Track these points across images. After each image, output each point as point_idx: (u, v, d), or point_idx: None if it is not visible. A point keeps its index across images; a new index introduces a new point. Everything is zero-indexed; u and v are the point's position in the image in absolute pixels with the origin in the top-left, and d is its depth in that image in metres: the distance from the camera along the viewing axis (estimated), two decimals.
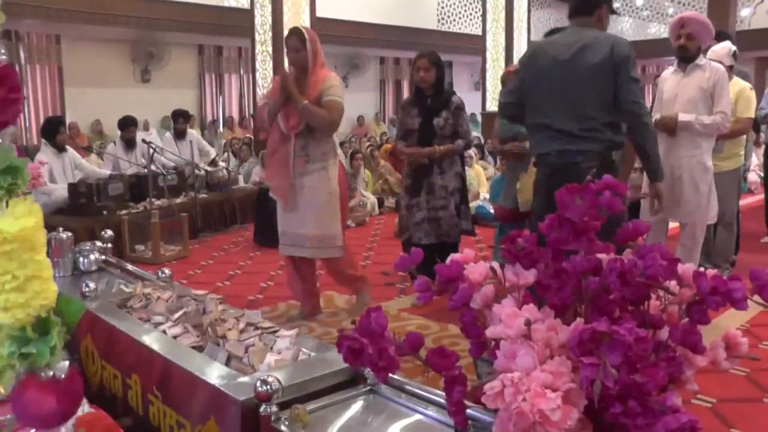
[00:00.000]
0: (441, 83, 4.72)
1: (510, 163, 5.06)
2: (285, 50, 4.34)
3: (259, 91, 9.82)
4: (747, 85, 5.08)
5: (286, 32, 9.10)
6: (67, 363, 1.36)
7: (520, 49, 14.10)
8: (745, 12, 15.18)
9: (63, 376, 1.33)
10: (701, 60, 4.40)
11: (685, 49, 4.36)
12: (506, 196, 4.99)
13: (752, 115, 5.07)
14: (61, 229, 3.46)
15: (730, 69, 4.97)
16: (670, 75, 4.57)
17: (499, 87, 5.13)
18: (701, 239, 4.39)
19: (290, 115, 4.13)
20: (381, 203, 9.12)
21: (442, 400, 1.47)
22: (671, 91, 4.47)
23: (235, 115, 15.50)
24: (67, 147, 7.04)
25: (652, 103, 5.21)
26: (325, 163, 4.17)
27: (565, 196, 1.26)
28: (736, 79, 5.04)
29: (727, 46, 5.14)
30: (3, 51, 1.24)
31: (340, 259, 4.30)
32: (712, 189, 4.37)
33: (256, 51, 9.74)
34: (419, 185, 4.72)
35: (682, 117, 4.28)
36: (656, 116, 4.45)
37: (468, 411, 1.32)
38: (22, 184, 1.27)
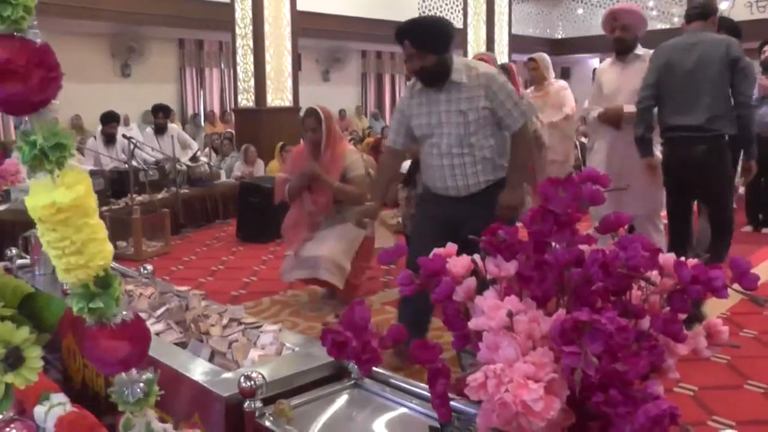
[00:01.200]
0: None
1: None
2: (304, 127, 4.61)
3: (240, 85, 9.76)
4: None
5: (266, 26, 9.00)
6: (130, 311, 1.45)
7: (502, 41, 14.16)
8: (724, 5, 15.32)
9: (130, 320, 1.42)
10: (640, 50, 4.36)
11: (621, 41, 4.32)
12: None
13: None
14: None
15: None
16: (608, 67, 4.51)
17: None
18: (653, 230, 4.35)
19: (319, 195, 4.45)
20: None
21: (427, 393, 1.47)
22: (612, 83, 4.41)
23: (216, 109, 15.41)
24: None
25: None
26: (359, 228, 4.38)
27: (548, 188, 1.27)
28: None
29: None
30: (38, 32, 1.29)
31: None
32: (660, 179, 4.33)
33: (237, 45, 9.68)
34: (413, 177, 4.77)
35: (628, 108, 4.22)
36: (598, 110, 4.41)
37: (452, 403, 1.33)
38: (69, 156, 1.34)
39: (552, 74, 6.06)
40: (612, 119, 4.30)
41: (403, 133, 3.44)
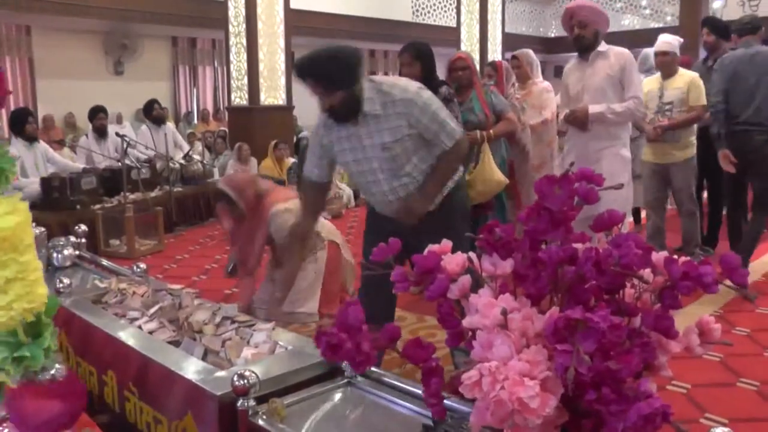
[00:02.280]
0: (429, 75, 4.53)
1: None
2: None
3: (233, 84, 9.74)
4: (695, 74, 5.12)
5: (260, 24, 8.88)
6: (62, 366, 1.32)
7: (495, 40, 14.17)
8: (716, 4, 15.34)
9: (61, 377, 1.31)
10: (603, 47, 4.24)
11: (581, 39, 4.22)
12: None
13: (705, 102, 5.00)
14: (33, 224, 3.40)
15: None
16: (573, 67, 4.42)
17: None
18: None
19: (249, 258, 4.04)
20: (357, 195, 9.11)
21: (420, 392, 1.47)
22: (577, 83, 4.32)
23: (210, 107, 15.37)
24: (39, 140, 6.93)
25: None
26: (313, 257, 4.14)
27: (545, 187, 1.27)
28: (682, 70, 5.08)
29: (676, 37, 5.17)
30: None
31: None
32: (630, 179, 4.31)
33: (230, 43, 9.66)
34: None
35: (593, 109, 4.13)
36: (565, 111, 4.36)
37: (445, 402, 1.33)
38: (5, 183, 1.24)
39: (538, 73, 5.91)
40: (578, 120, 4.20)
41: (326, 165, 3.04)
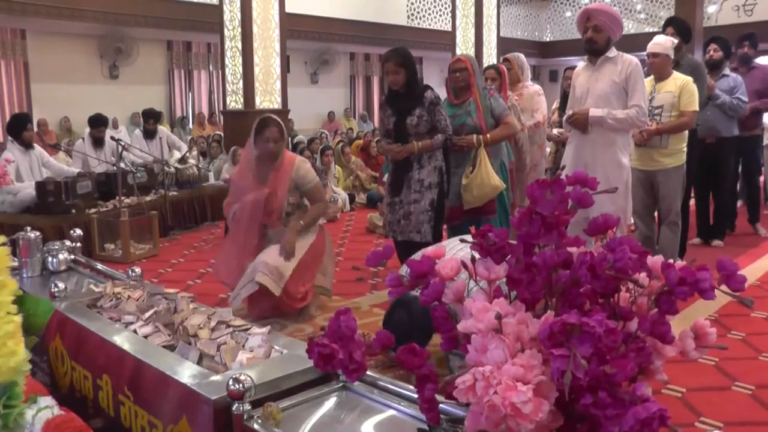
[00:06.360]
0: (413, 81, 4.52)
1: (454, 156, 4.72)
2: (256, 139, 4.32)
3: (229, 87, 9.74)
4: (689, 78, 4.89)
5: (255, 27, 8.94)
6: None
7: (490, 44, 14.19)
8: (711, 9, 15.39)
9: None
10: (612, 52, 4.24)
11: (593, 42, 4.21)
12: (451, 194, 4.69)
13: (697, 108, 4.85)
14: (28, 228, 3.40)
15: (674, 63, 4.99)
16: (582, 70, 4.42)
17: None
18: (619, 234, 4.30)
19: (271, 216, 4.34)
20: (352, 199, 9.12)
21: (415, 396, 1.47)
22: (583, 86, 4.33)
23: (205, 111, 15.37)
24: (35, 144, 6.92)
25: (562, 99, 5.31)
26: (305, 232, 4.36)
27: (536, 191, 1.27)
28: (677, 74, 4.89)
29: (670, 39, 4.96)
30: None
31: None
32: (628, 187, 4.28)
33: (226, 47, 9.65)
34: (400, 183, 4.60)
35: (594, 112, 4.15)
36: (568, 113, 4.35)
37: (440, 406, 1.33)
38: None
39: (528, 77, 5.96)
40: (579, 122, 4.21)
41: None
